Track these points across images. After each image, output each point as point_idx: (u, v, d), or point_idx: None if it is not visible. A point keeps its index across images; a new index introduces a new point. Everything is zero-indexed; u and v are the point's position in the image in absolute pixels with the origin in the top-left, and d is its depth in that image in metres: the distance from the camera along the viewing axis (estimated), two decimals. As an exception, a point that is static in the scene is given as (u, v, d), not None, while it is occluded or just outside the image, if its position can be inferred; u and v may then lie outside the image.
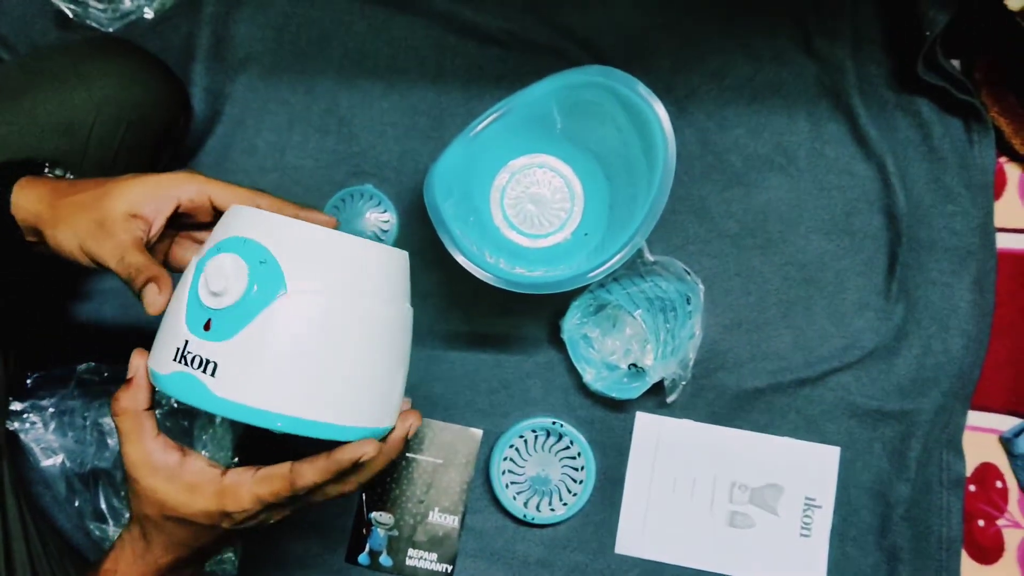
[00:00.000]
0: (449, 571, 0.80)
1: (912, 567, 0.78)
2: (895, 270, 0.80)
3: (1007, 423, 0.80)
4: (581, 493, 0.79)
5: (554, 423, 0.80)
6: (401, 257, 0.53)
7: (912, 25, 0.78)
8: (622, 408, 0.81)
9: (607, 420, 0.81)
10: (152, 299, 0.50)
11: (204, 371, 0.46)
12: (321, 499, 0.51)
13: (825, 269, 0.81)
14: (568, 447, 0.80)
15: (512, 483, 0.80)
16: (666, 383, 0.78)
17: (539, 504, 0.80)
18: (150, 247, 0.53)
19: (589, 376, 0.79)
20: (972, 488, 0.79)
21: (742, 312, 0.82)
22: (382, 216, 0.84)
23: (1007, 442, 0.79)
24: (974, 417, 0.80)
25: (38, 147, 0.67)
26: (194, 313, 0.47)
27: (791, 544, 0.79)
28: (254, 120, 0.86)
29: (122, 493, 0.79)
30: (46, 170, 0.62)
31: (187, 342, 0.47)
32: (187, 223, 0.57)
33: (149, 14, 0.86)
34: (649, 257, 0.78)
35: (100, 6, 0.85)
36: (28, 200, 0.54)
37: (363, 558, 0.80)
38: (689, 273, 0.79)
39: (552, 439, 0.81)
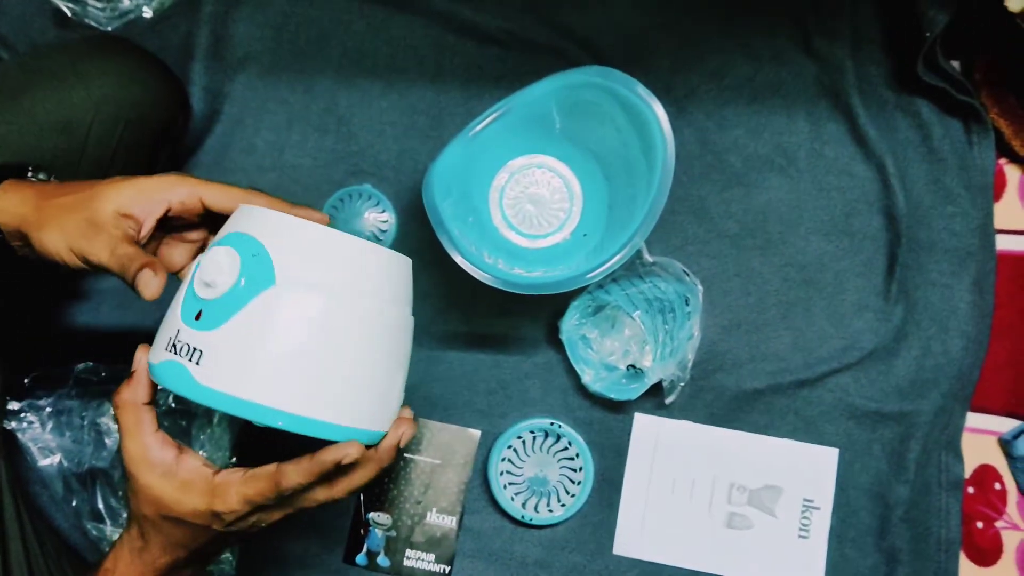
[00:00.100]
0: (447, 572, 0.80)
1: (911, 569, 0.78)
2: (894, 271, 0.80)
3: (1006, 425, 0.80)
4: (579, 494, 0.79)
5: (552, 424, 0.80)
6: (401, 262, 0.53)
7: (912, 25, 0.78)
8: (620, 409, 0.81)
9: (605, 421, 0.81)
10: (147, 282, 0.49)
11: (190, 359, 0.47)
12: (312, 504, 0.51)
13: (824, 270, 0.81)
14: (566, 448, 0.80)
15: (510, 484, 0.80)
16: (665, 384, 0.77)
17: (537, 505, 0.80)
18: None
19: (588, 377, 0.78)
20: (971, 490, 0.79)
21: (741, 313, 0.81)
22: (380, 216, 0.84)
23: (1006, 444, 0.79)
24: (973, 419, 0.80)
25: (37, 146, 0.67)
26: (189, 304, 0.49)
27: (789, 545, 0.79)
28: (253, 119, 0.86)
29: (120, 493, 0.79)
30: (30, 174, 0.61)
31: (178, 331, 0.48)
32: (177, 225, 0.57)
33: (148, 13, 0.86)
34: (648, 258, 0.78)
35: (99, 5, 0.85)
36: (11, 203, 0.54)
37: (361, 558, 0.80)
38: (688, 274, 0.79)
39: (550, 440, 0.81)
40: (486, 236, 0.76)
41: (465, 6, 0.85)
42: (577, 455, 0.80)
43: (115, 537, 0.74)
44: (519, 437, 0.80)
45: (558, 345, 0.81)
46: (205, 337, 0.47)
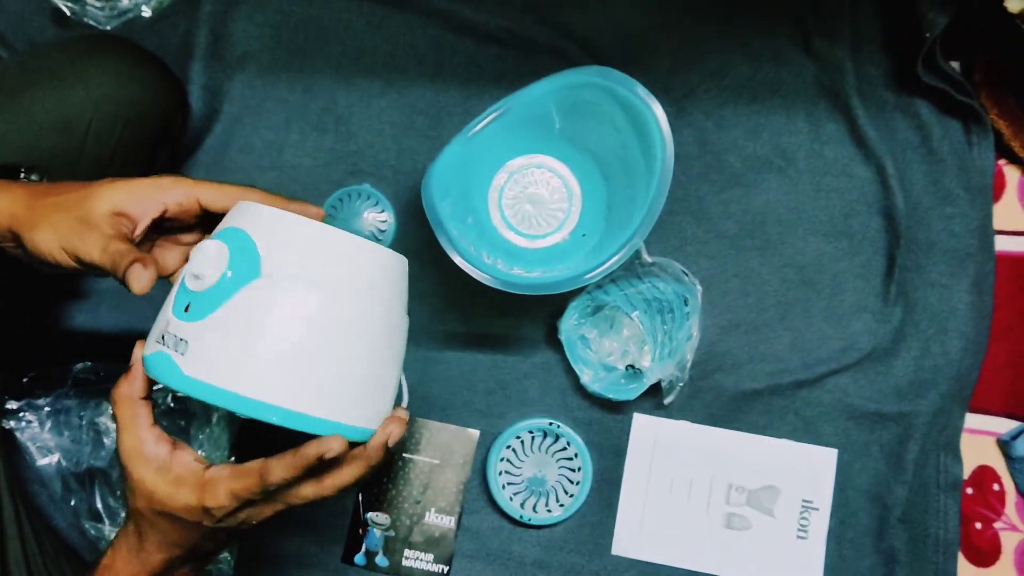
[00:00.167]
0: (445, 572, 0.80)
1: (909, 570, 0.78)
2: (893, 272, 0.80)
3: (1005, 426, 0.80)
4: (578, 494, 0.79)
5: (551, 424, 0.80)
6: (394, 259, 0.53)
7: (912, 26, 0.78)
8: (619, 409, 0.81)
9: (604, 421, 0.81)
10: (137, 275, 0.49)
11: (176, 350, 0.48)
12: (301, 501, 0.51)
13: (823, 271, 0.81)
14: (565, 448, 0.80)
15: (509, 484, 0.80)
16: (663, 384, 0.77)
17: (536, 505, 0.80)
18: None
19: (586, 377, 0.78)
20: (969, 491, 0.79)
21: (740, 314, 0.81)
22: (380, 216, 0.84)
23: (1005, 445, 0.79)
24: (972, 419, 0.80)
25: (35, 145, 0.67)
26: (180, 298, 0.49)
27: (788, 546, 0.79)
28: (252, 118, 0.85)
29: (118, 492, 0.79)
30: (22, 175, 0.61)
31: (168, 323, 0.49)
32: (171, 227, 0.57)
33: (147, 12, 0.86)
34: (647, 258, 0.78)
35: (98, 4, 0.85)
36: (3, 202, 0.53)
37: (359, 558, 0.80)
38: (687, 274, 0.79)
39: (549, 440, 0.80)
40: (485, 236, 0.76)
41: (465, 5, 0.85)
42: (576, 455, 0.80)
43: (113, 537, 0.74)
44: (518, 437, 0.80)
45: (557, 345, 0.80)
46: (191, 328, 0.48)
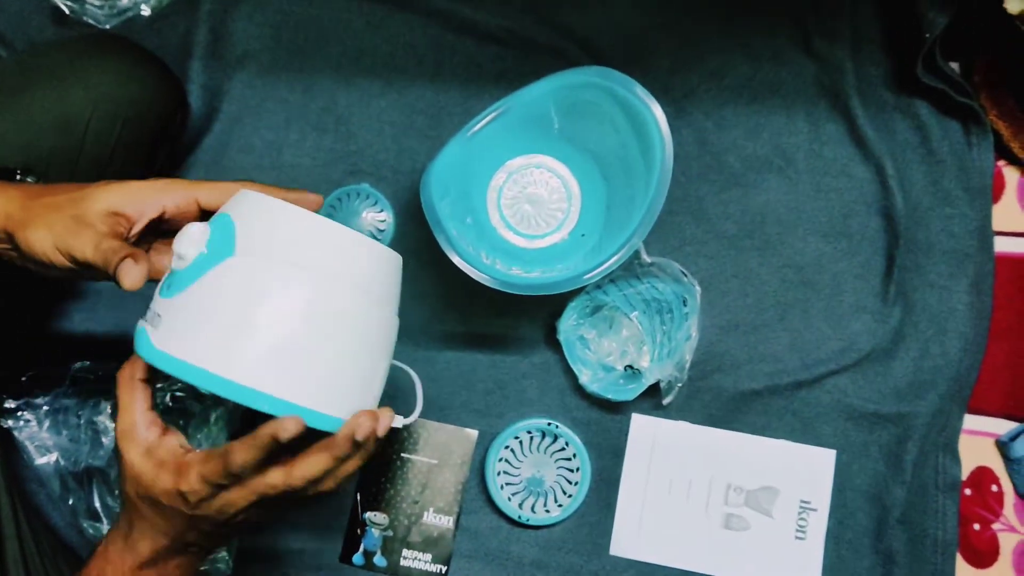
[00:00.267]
0: (443, 572, 0.80)
1: (907, 571, 0.78)
2: (892, 273, 0.80)
3: (1004, 427, 0.80)
4: (576, 494, 0.79)
5: (550, 424, 0.80)
6: (378, 251, 0.53)
7: (911, 26, 0.78)
8: (618, 410, 0.81)
9: (603, 422, 0.81)
10: (127, 270, 0.49)
11: (151, 324, 0.50)
12: (271, 491, 0.50)
13: (822, 271, 0.81)
14: (563, 448, 0.80)
15: (507, 484, 0.80)
16: (662, 385, 0.77)
17: (534, 505, 0.80)
18: None
19: (585, 377, 0.78)
20: (968, 492, 0.79)
21: (739, 314, 0.81)
22: (379, 216, 0.84)
23: (1003, 446, 0.79)
24: (971, 421, 0.80)
25: (34, 144, 0.67)
26: (166, 279, 0.51)
27: (786, 547, 0.79)
28: (251, 118, 0.85)
29: (116, 492, 0.79)
30: (18, 176, 0.61)
31: (152, 301, 0.51)
32: (168, 229, 0.56)
33: (146, 11, 0.86)
34: (646, 258, 0.78)
35: (97, 3, 0.85)
36: None
37: (357, 558, 0.80)
38: (686, 275, 0.79)
39: (548, 440, 0.80)
40: (484, 236, 0.76)
41: (464, 5, 0.84)
42: (574, 455, 0.80)
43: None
44: (516, 437, 0.80)
45: (556, 345, 0.80)
46: (166, 304, 0.50)
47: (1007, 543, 0.78)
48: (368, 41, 0.86)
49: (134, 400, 0.52)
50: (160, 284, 0.52)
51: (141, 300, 0.53)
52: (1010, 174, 0.82)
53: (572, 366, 0.79)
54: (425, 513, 0.80)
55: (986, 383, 0.80)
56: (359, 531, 0.80)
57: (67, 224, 0.51)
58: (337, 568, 0.80)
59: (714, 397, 0.81)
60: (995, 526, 0.79)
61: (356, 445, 0.50)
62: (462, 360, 0.82)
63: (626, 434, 0.81)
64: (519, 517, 0.79)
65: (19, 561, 0.67)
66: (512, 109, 0.72)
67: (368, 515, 0.81)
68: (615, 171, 0.75)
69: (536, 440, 0.81)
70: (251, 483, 0.50)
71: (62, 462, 0.78)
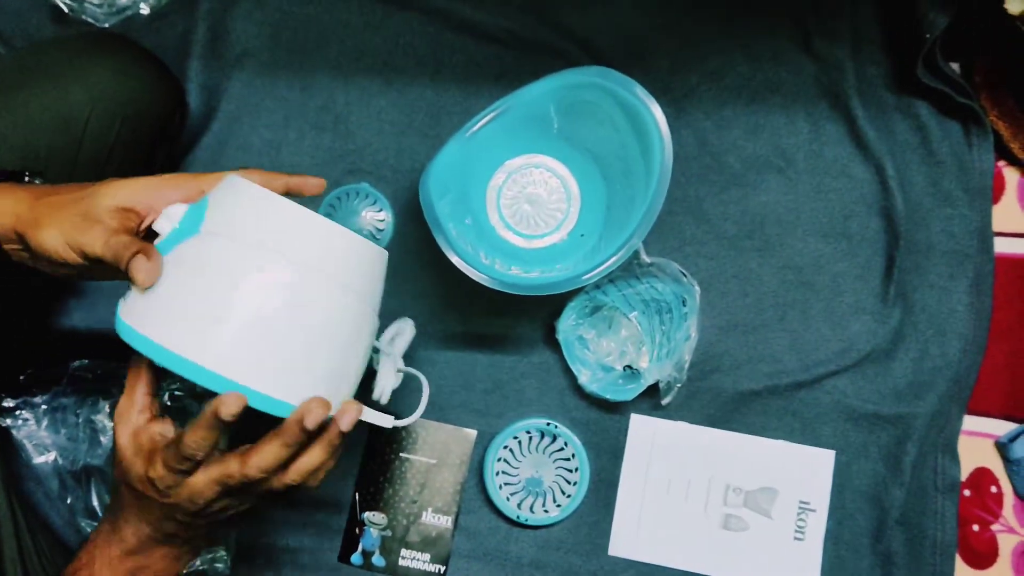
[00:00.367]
0: (442, 572, 0.80)
1: (906, 571, 0.78)
2: (892, 273, 0.80)
3: (1003, 428, 0.79)
4: (575, 494, 0.79)
5: (548, 424, 0.80)
6: (354, 241, 0.52)
7: (912, 27, 0.78)
8: (617, 410, 0.81)
9: (602, 422, 0.81)
10: (140, 266, 0.49)
11: (124, 296, 0.51)
12: (231, 481, 0.50)
13: (822, 272, 0.81)
14: (562, 448, 0.80)
15: (506, 484, 0.80)
16: (661, 385, 0.77)
17: (533, 505, 0.79)
18: None
19: (584, 378, 0.78)
20: (967, 493, 0.79)
21: (738, 314, 0.81)
22: (378, 215, 0.84)
23: (1003, 447, 0.79)
24: (970, 421, 0.80)
25: (33, 142, 0.67)
26: None
27: (785, 547, 0.79)
28: (250, 117, 0.85)
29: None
30: (26, 179, 0.61)
31: None
32: None
33: (145, 10, 0.85)
34: (645, 259, 0.78)
35: (96, 1, 0.85)
36: (6, 203, 0.53)
37: (356, 558, 0.80)
38: (685, 275, 0.79)
39: (546, 440, 0.80)
40: (483, 236, 0.76)
41: (464, 4, 0.84)
42: (573, 455, 0.80)
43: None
44: (515, 437, 0.80)
45: (555, 345, 0.80)
46: None
47: (1006, 544, 0.78)
48: (367, 40, 0.86)
49: (136, 384, 0.53)
50: None
51: (140, 287, 0.53)
52: (1010, 175, 0.82)
53: (571, 366, 0.79)
54: (424, 513, 0.80)
55: (986, 384, 0.80)
56: (357, 531, 0.80)
57: (76, 221, 0.51)
58: (335, 568, 0.80)
59: (713, 397, 0.80)
60: (994, 527, 0.79)
61: (306, 432, 0.49)
62: (461, 360, 0.82)
63: (625, 434, 0.81)
64: (518, 517, 0.79)
65: (17, 560, 0.67)
66: (512, 109, 0.72)
67: (366, 515, 0.81)
68: (615, 171, 0.75)
69: (535, 440, 0.81)
70: (210, 470, 0.50)
71: (60, 461, 0.78)
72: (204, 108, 0.85)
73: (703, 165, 0.83)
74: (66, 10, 0.84)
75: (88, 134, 0.69)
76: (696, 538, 0.80)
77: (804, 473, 0.79)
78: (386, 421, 0.56)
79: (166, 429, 0.53)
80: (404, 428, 0.81)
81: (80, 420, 0.79)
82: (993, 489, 0.79)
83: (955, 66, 0.81)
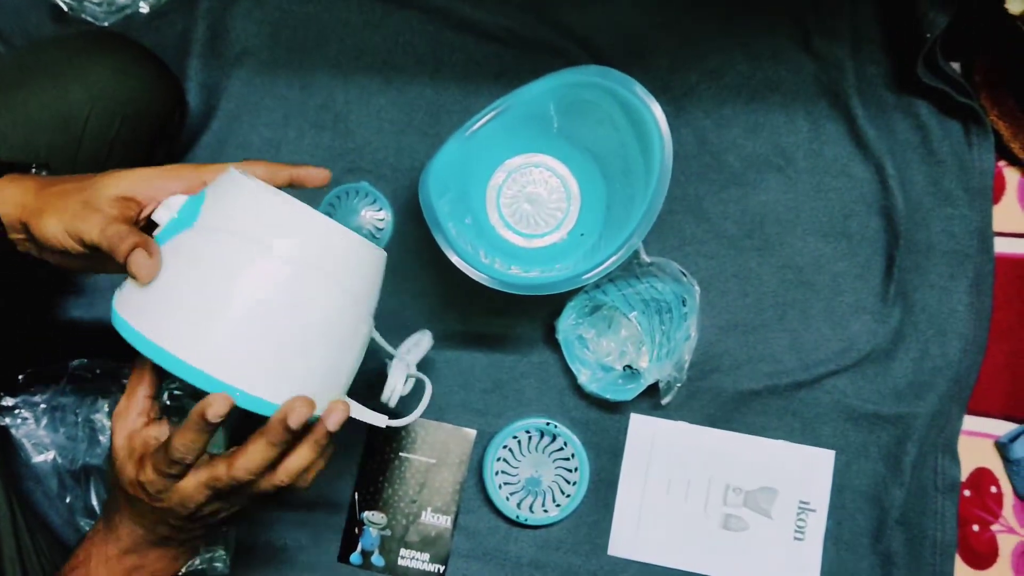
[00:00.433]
0: (441, 571, 0.80)
1: (906, 571, 0.78)
2: (892, 273, 0.80)
3: (1003, 428, 0.79)
4: (574, 494, 0.79)
5: (548, 424, 0.80)
6: (350, 239, 0.51)
7: (912, 26, 0.78)
8: (617, 410, 0.81)
9: (601, 421, 0.81)
10: (140, 262, 0.48)
11: (120, 288, 0.51)
12: (218, 484, 0.50)
13: (822, 272, 0.81)
14: (562, 448, 0.80)
15: (505, 484, 0.80)
16: (661, 385, 0.77)
17: (532, 505, 0.79)
18: None
19: (584, 377, 0.78)
20: (967, 493, 0.79)
21: (738, 314, 0.81)
22: (377, 214, 0.84)
23: (1003, 447, 0.79)
24: (970, 422, 0.80)
25: (33, 141, 0.67)
26: None
27: (785, 547, 0.79)
28: (249, 116, 0.85)
29: (114, 485, 0.79)
30: (33, 170, 0.61)
31: None
32: None
33: (144, 8, 0.85)
34: (645, 258, 0.78)
35: (95, 0, 0.85)
36: (13, 194, 0.54)
37: (355, 557, 0.80)
38: (685, 275, 0.79)
39: (546, 440, 0.80)
40: (483, 235, 0.76)
41: (464, 3, 0.84)
42: (573, 455, 0.80)
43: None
44: (515, 437, 0.80)
45: (554, 345, 0.80)
46: None
47: (1006, 544, 0.78)
48: (367, 39, 0.86)
49: (138, 385, 0.53)
50: None
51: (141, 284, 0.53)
52: (1010, 174, 0.82)
53: (571, 366, 0.79)
54: (423, 512, 0.80)
55: (986, 384, 0.80)
56: (357, 530, 0.80)
57: (76, 210, 0.51)
58: (334, 567, 0.80)
59: (713, 397, 0.80)
60: (994, 527, 0.79)
61: (291, 432, 0.48)
62: (461, 359, 0.82)
63: (625, 434, 0.81)
64: (517, 517, 0.79)
65: (16, 559, 0.67)
66: (511, 108, 0.72)
67: (366, 514, 0.80)
68: (614, 170, 0.75)
69: (534, 440, 0.80)
70: (199, 474, 0.50)
71: (59, 460, 0.78)
72: (204, 107, 0.85)
73: (703, 164, 0.83)
74: (66, 9, 0.84)
75: (88, 133, 0.70)
76: (696, 538, 0.80)
77: (804, 473, 0.79)
78: (380, 421, 0.56)
79: (160, 433, 0.53)
80: (404, 427, 0.81)
81: (79, 419, 0.79)
82: (993, 489, 0.79)
83: (955, 65, 0.81)
